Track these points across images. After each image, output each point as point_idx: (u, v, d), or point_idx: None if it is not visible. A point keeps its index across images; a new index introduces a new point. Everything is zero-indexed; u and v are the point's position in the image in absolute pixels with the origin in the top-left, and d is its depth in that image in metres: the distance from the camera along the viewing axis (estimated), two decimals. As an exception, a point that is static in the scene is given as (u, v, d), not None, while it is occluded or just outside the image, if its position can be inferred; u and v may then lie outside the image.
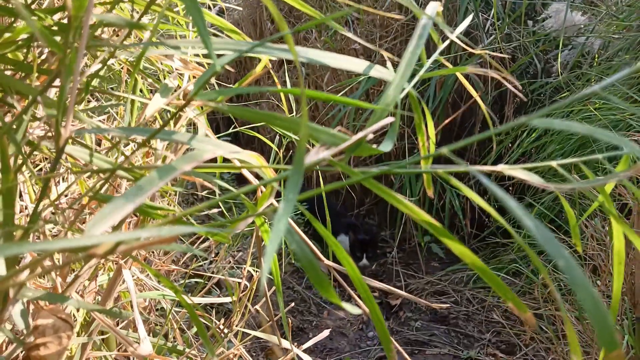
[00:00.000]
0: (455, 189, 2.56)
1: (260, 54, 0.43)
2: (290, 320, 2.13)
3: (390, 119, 0.45)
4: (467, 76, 2.51)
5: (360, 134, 0.43)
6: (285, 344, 0.93)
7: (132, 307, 0.69)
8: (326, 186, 0.36)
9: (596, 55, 2.08)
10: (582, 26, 2.13)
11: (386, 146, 0.49)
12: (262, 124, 1.04)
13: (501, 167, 0.46)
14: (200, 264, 1.57)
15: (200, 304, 0.95)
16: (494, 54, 0.60)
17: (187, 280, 1.42)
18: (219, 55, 0.47)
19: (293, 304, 2.24)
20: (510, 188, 2.52)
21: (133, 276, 1.02)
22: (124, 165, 0.43)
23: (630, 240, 1.38)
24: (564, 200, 0.49)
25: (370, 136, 0.46)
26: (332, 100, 0.43)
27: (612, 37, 1.97)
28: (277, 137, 1.36)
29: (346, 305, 0.40)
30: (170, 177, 0.39)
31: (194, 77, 0.66)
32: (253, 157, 0.47)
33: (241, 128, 0.92)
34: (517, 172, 0.46)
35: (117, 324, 0.99)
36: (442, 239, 0.44)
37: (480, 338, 1.99)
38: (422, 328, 2.09)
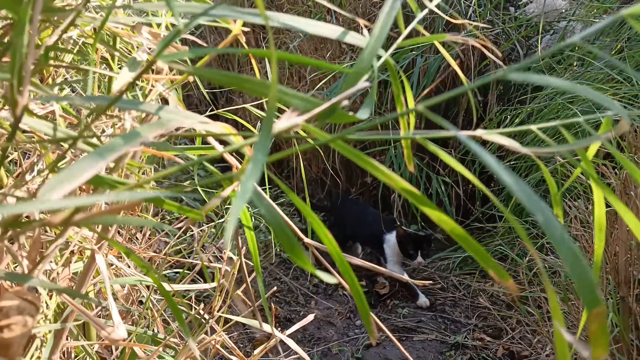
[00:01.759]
0: (440, 177, 2.56)
1: (229, 17, 0.41)
2: (277, 310, 2.12)
3: (366, 84, 0.44)
4: (448, 67, 2.50)
5: (334, 99, 0.42)
6: (270, 330, 0.91)
7: (109, 293, 0.67)
8: (299, 147, 0.34)
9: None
10: (563, 10, 2.14)
11: (363, 113, 0.47)
12: (241, 107, 1.02)
13: (480, 132, 0.45)
14: (178, 247, 1.55)
15: (179, 291, 0.93)
16: (475, 23, 0.59)
17: (168, 271, 1.40)
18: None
19: (278, 292, 2.23)
20: (493, 176, 2.53)
21: (111, 265, 1.00)
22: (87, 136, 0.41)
23: (613, 222, 1.37)
24: (544, 167, 0.48)
25: (345, 102, 0.45)
26: (305, 63, 0.41)
27: (593, 21, 1.97)
28: (259, 122, 1.34)
29: (321, 274, 0.38)
30: (134, 144, 0.38)
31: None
32: (224, 129, 0.45)
33: (219, 111, 0.90)
34: (495, 137, 0.44)
35: (97, 314, 0.97)
36: (420, 207, 0.43)
37: (467, 323, 2.00)
38: (409, 315, 2.09)
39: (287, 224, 0.34)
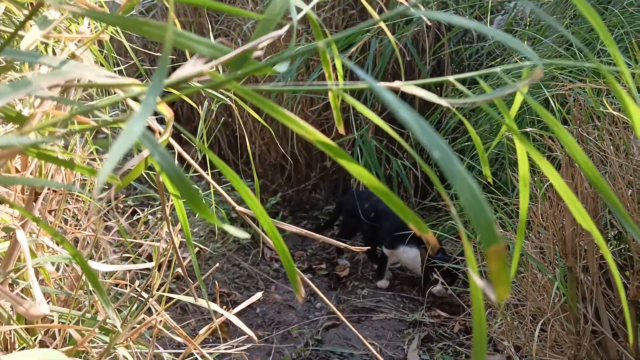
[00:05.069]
0: (400, 160, 2.57)
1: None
2: (236, 295, 2.10)
3: (281, 31, 0.42)
4: (405, 46, 2.51)
5: (244, 46, 0.40)
6: (217, 310, 0.89)
7: (30, 271, 0.64)
8: (183, 92, 0.32)
9: (528, 19, 2.11)
10: (514, -9, 2.16)
11: (281, 66, 0.45)
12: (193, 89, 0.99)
13: (397, 84, 0.44)
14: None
15: (116, 272, 0.90)
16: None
17: (115, 256, 1.35)
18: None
19: (238, 278, 2.21)
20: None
21: (48, 248, 0.96)
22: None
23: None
24: (466, 121, 0.47)
25: (259, 53, 0.43)
26: (215, 8, 0.39)
27: (541, 0, 2.00)
28: (206, 101, 1.31)
29: (230, 229, 0.37)
30: (25, 92, 0.35)
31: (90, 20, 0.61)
32: (131, 81, 0.43)
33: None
34: (413, 89, 0.44)
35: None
36: (337, 160, 0.42)
37: (425, 301, 2.02)
38: (369, 295, 2.10)
39: (180, 171, 0.32)
